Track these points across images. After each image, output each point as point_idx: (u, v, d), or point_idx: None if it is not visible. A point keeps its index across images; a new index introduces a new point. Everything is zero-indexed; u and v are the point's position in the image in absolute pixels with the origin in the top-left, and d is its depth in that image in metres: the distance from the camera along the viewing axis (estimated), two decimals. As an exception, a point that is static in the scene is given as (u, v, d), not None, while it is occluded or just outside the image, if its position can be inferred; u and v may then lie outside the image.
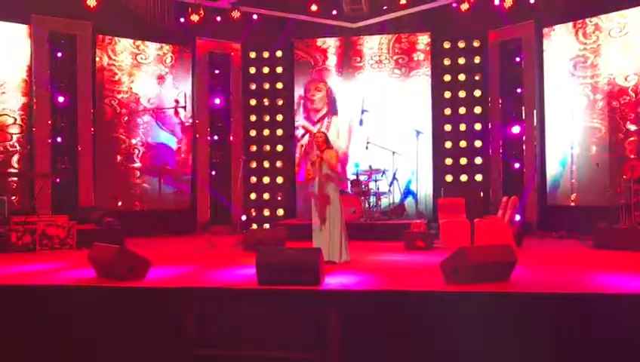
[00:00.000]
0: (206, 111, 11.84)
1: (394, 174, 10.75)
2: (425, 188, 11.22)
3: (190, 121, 11.67)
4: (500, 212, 8.61)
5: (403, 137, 11.19)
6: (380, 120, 11.40)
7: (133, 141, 11.23)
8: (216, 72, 11.92)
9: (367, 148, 10.76)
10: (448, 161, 11.12)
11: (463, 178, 11.00)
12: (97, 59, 10.89)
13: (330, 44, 11.79)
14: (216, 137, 11.84)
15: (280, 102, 11.90)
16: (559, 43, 10.35)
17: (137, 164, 11.24)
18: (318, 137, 6.90)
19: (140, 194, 11.18)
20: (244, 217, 11.33)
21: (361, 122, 11.50)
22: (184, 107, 11.49)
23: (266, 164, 11.85)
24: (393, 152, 10.67)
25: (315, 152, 6.86)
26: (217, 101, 11.85)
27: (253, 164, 11.82)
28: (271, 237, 8.33)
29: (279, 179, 11.82)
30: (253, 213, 11.69)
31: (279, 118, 11.88)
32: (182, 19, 11.02)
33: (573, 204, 10.03)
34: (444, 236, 8.60)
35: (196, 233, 11.12)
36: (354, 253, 8.05)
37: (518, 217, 9.07)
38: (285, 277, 5.22)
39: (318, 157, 6.72)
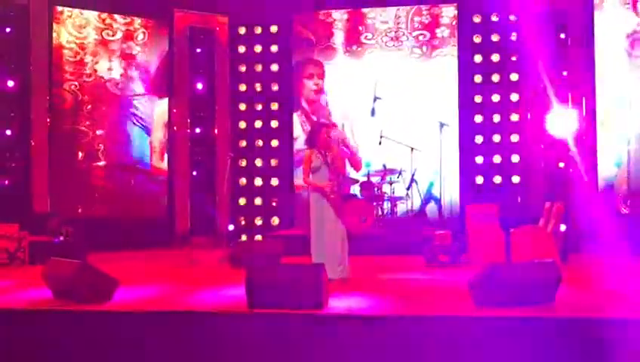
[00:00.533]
0: (185, 98, 11.86)
1: (412, 175, 10.75)
2: (450, 192, 11.21)
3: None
4: (542, 220, 8.58)
5: (424, 130, 11.19)
6: (396, 109, 11.40)
7: (99, 133, 11.25)
8: (198, 50, 11.94)
9: (380, 143, 10.76)
10: (479, 160, 11.12)
11: (497, 180, 11.00)
12: (54, 35, 10.92)
13: (336, 17, 11.81)
14: (197, 130, 11.86)
15: (275, 88, 11.92)
16: (613, 16, 10.33)
17: (103, 163, 11.27)
18: (321, 133, 6.92)
19: (106, 199, 11.20)
20: (231, 227, 11.35)
21: (372, 112, 11.50)
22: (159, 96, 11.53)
23: (259, 163, 11.87)
24: (412, 149, 10.67)
25: (313, 153, 6.83)
26: (199, 86, 11.87)
27: (243, 163, 11.84)
28: (263, 251, 8.35)
29: (274, 181, 11.83)
30: (243, 222, 11.71)
31: (274, 106, 11.90)
32: (157, -14, 11.12)
33: (626, 211, 9.99)
34: (473, 249, 8.59)
35: (174, 246, 11.16)
36: (364, 269, 8.03)
37: (563, 227, 9.04)
38: (281, 300, 5.22)
39: (335, 135, 6.82)
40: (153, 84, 11.70)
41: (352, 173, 10.56)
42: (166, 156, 11.71)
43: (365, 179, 10.63)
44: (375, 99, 11.46)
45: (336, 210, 6.81)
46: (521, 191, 10.83)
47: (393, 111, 11.43)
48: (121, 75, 11.48)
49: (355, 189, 10.82)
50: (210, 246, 10.79)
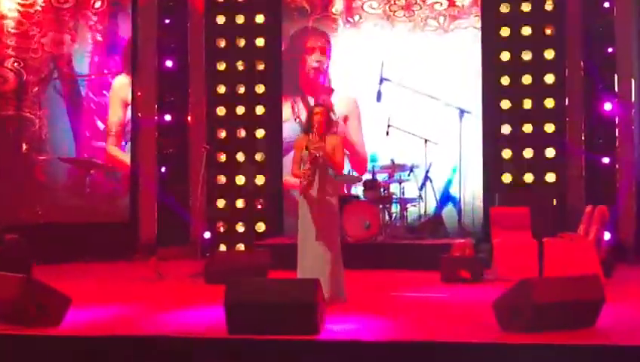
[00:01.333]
0: (152, 79, 11.83)
1: (427, 172, 10.75)
2: (472, 193, 11.20)
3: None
4: (582, 227, 8.60)
5: (440, 119, 11.16)
6: (407, 94, 11.37)
7: (47, 121, 11.23)
8: (167, 21, 11.92)
9: (387, 134, 10.76)
10: (506, 154, 11.10)
11: (528, 178, 11.00)
12: (-7, 2, 10.93)
13: (335, -19, 11.84)
14: (167, 117, 11.82)
15: (261, 67, 11.89)
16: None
17: (51, 156, 11.25)
18: (317, 114, 6.89)
19: (55, 200, 11.18)
20: (207, 234, 11.32)
21: (378, 96, 11.46)
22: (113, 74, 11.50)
23: (241, 157, 11.85)
24: (426, 140, 10.67)
25: (307, 139, 6.83)
26: (169, 64, 11.83)
27: (222, 157, 11.81)
28: (247, 263, 8.36)
29: (259, 180, 11.80)
30: (222, 229, 11.68)
31: (260, 89, 11.88)
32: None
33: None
34: (499, 262, 8.60)
35: (137, 257, 11.11)
36: (367, 286, 8.03)
37: (607, 235, 9.06)
38: (267, 323, 5.23)
39: (316, 147, 6.72)
40: (113, 62, 11.66)
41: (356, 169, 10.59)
42: (129, 148, 11.67)
43: (369, 176, 10.63)
44: (381, 80, 11.42)
45: (313, 213, 6.77)
46: (558, 193, 10.82)
47: (403, 95, 11.38)
48: (74, 51, 11.45)
49: (358, 189, 10.85)
50: (181, 257, 10.75)
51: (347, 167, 10.60)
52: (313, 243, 6.75)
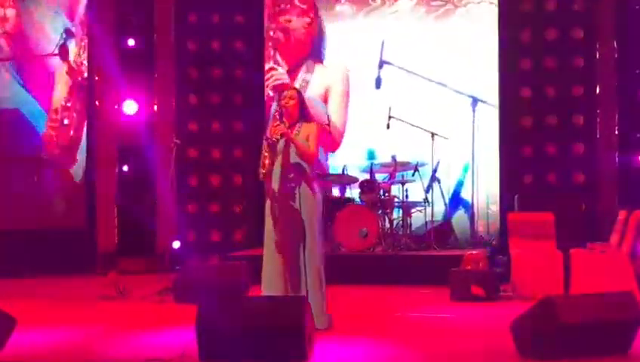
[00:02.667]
0: (112, 60, 11.79)
1: (434, 171, 10.76)
2: (486, 196, 11.24)
3: (84, 77, 11.66)
4: (615, 236, 8.61)
5: (449, 109, 11.19)
6: (411, 79, 11.41)
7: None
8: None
9: (388, 126, 10.77)
10: (527, 150, 11.14)
11: (552, 178, 11.03)
12: None
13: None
14: (130, 107, 11.78)
15: (239, 46, 11.88)
16: None
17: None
18: (287, 98, 6.82)
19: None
20: (176, 244, 11.31)
21: (378, 82, 11.47)
22: (60, 54, 11.45)
23: (216, 153, 11.84)
24: (433, 134, 10.67)
25: (276, 126, 6.70)
26: (131, 43, 11.80)
27: (194, 153, 11.79)
28: (223, 278, 8.33)
29: (237, 179, 11.80)
30: (193, 237, 11.67)
31: (239, 73, 11.86)
32: None
33: None
34: (518, 277, 8.60)
35: (95, 270, 11.10)
36: (364, 305, 8.02)
37: (645, 246, 9.09)
38: (246, 348, 5.22)
39: (274, 129, 6.62)
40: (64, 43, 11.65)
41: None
42: (83, 143, 11.64)
43: (367, 176, 10.63)
44: (381, 64, 11.45)
45: (279, 211, 6.64)
46: (587, 195, 10.84)
47: (406, 81, 11.42)
48: (15, 27, 11.44)
49: (353, 192, 10.84)
50: (146, 270, 10.74)
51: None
52: (273, 252, 6.66)
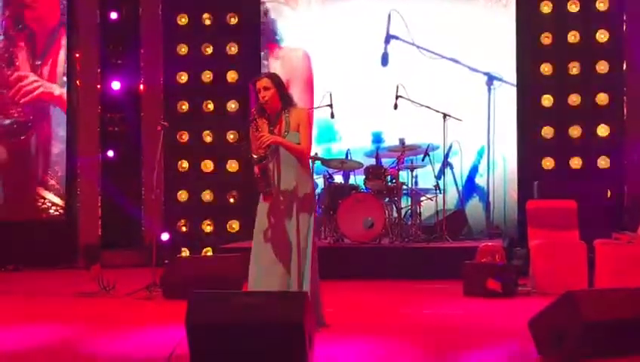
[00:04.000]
0: (94, 36, 11.77)
1: (446, 156, 10.75)
2: (503, 182, 11.23)
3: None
4: (644, 226, 8.60)
5: (463, 87, 11.19)
6: (420, 55, 11.40)
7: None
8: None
9: (395, 107, 10.73)
10: (547, 132, 11.12)
11: (575, 163, 11.01)
12: None
13: None
14: (114, 85, 11.77)
15: (233, 21, 11.84)
16: None
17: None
18: (262, 90, 6.50)
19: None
20: (165, 236, 11.30)
21: (384, 59, 11.45)
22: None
23: (208, 138, 11.81)
24: (445, 115, 10.63)
25: (260, 137, 6.55)
26: (114, 16, 11.77)
27: (184, 137, 11.77)
28: (215, 273, 8.32)
29: (232, 166, 11.78)
30: (184, 228, 11.66)
31: (232, 49, 11.83)
32: None
33: None
34: (537, 270, 8.60)
35: (76, 263, 11.11)
36: (371, 300, 8.00)
37: (677, 237, 9.06)
38: (240, 349, 5.20)
39: (257, 145, 6.38)
40: (38, 14, 11.61)
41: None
42: (64, 126, 11.61)
43: (373, 161, 10.61)
44: (388, 39, 11.42)
45: (273, 221, 6.57)
46: (613, 182, 10.83)
47: (416, 57, 11.41)
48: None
49: (357, 178, 10.80)
50: (132, 264, 10.74)
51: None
52: (267, 246, 6.59)
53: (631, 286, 6.27)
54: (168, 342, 5.79)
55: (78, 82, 11.73)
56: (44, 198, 11.56)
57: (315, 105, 11.11)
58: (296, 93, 10.93)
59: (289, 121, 6.47)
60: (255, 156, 6.40)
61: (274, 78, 6.59)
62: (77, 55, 11.74)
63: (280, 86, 6.54)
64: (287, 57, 11.76)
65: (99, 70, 11.78)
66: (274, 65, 11.62)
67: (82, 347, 6.11)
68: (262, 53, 11.82)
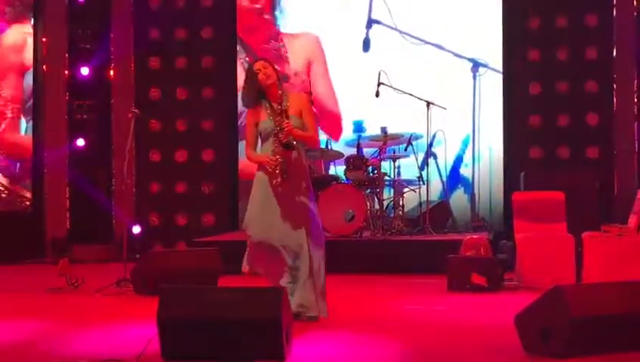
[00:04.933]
0: (61, 20, 11.73)
1: (430, 146, 10.77)
2: (489, 173, 11.27)
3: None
4: (634, 218, 8.64)
5: (448, 74, 11.22)
6: (403, 42, 11.42)
7: None
8: None
9: (377, 94, 10.74)
10: (534, 121, 11.16)
11: (563, 153, 11.06)
12: None
13: None
14: (83, 70, 11.74)
15: (208, 3, 11.81)
16: None
17: None
18: (265, 76, 6.70)
19: None
20: (137, 229, 11.29)
21: (366, 44, 11.46)
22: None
23: (181, 126, 11.80)
24: (428, 103, 10.66)
25: (266, 111, 6.72)
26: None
27: (157, 125, 11.75)
28: (190, 267, 8.32)
29: (206, 155, 11.78)
30: (156, 221, 11.66)
31: (207, 33, 11.81)
32: None
33: None
34: (524, 264, 8.64)
35: (43, 258, 11.08)
36: (352, 295, 8.03)
37: (667, 229, 9.12)
38: (215, 346, 5.21)
39: (286, 130, 6.59)
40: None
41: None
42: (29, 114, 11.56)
43: (354, 151, 10.63)
44: (370, 23, 11.43)
45: (281, 205, 6.73)
46: (602, 173, 10.88)
47: (398, 43, 11.43)
48: None
49: (339, 169, 10.83)
50: (101, 258, 10.75)
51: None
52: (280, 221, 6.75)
53: (620, 280, 6.32)
54: (139, 339, 5.81)
55: (44, 67, 11.70)
56: (8, 189, 11.56)
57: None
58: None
59: (290, 105, 6.70)
60: (285, 141, 6.60)
61: (272, 62, 6.91)
62: (44, 39, 11.70)
63: (277, 71, 6.85)
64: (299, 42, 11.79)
65: (66, 55, 11.75)
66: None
67: (49, 345, 6.09)
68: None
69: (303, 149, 6.89)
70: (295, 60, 11.64)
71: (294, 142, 6.63)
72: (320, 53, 11.71)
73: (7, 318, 7.08)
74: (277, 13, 11.82)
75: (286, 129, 6.57)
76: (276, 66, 6.99)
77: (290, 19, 11.79)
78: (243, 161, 11.29)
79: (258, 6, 11.78)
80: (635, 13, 10.97)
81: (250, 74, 6.79)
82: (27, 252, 11.15)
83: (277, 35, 11.72)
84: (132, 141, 9.72)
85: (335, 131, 11.48)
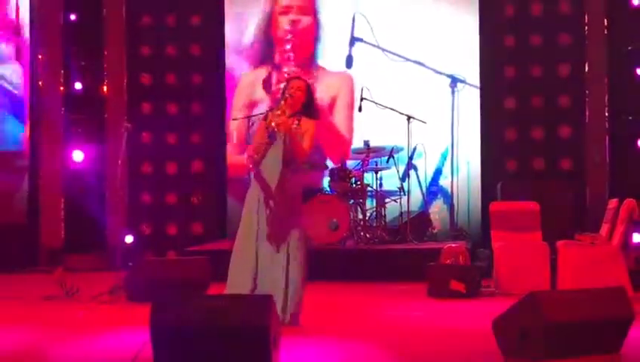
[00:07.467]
0: (56, 34, 11.70)
1: (410, 158, 10.80)
2: (467, 184, 11.29)
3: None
4: (606, 227, 8.68)
5: (427, 90, 11.25)
6: (385, 58, 11.45)
7: None
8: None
9: (360, 109, 10.78)
10: (510, 134, 11.19)
11: (538, 164, 11.09)
12: None
13: None
14: (77, 85, 11.71)
15: (197, 21, 11.80)
16: None
17: None
18: (294, 88, 6.87)
19: None
20: (129, 238, 11.25)
21: (349, 61, 11.49)
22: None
23: (171, 139, 11.78)
24: (409, 117, 10.70)
25: (279, 116, 6.77)
26: (74, 18, 11.71)
27: (147, 138, 11.73)
28: (180, 276, 8.29)
29: (196, 166, 11.76)
30: (147, 231, 11.62)
31: (196, 49, 11.80)
32: None
33: None
34: (501, 272, 8.67)
35: (38, 267, 11.04)
36: (335, 302, 8.03)
37: (638, 237, 9.14)
38: (204, 352, 5.20)
39: (279, 122, 6.71)
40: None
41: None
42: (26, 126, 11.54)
43: (336, 165, 10.68)
44: (352, 41, 11.45)
45: (269, 216, 6.80)
46: (575, 183, 10.91)
47: (380, 60, 11.45)
48: None
49: (323, 180, 10.84)
50: (95, 267, 10.68)
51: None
52: (251, 246, 6.79)
53: (593, 286, 6.35)
54: (132, 345, 5.79)
55: (40, 83, 11.66)
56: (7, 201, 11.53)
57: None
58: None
59: (299, 124, 6.78)
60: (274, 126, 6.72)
61: (308, 86, 7.01)
62: (40, 57, 11.68)
63: (309, 94, 6.93)
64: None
65: (62, 71, 11.73)
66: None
67: (44, 352, 6.07)
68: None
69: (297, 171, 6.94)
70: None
71: (280, 134, 6.68)
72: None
73: (3, 326, 7.03)
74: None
75: (281, 122, 6.66)
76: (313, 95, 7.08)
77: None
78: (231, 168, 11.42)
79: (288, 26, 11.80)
80: (606, 32, 11.03)
81: (287, 84, 6.99)
82: (21, 261, 11.10)
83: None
84: (124, 153, 9.71)
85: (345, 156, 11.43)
